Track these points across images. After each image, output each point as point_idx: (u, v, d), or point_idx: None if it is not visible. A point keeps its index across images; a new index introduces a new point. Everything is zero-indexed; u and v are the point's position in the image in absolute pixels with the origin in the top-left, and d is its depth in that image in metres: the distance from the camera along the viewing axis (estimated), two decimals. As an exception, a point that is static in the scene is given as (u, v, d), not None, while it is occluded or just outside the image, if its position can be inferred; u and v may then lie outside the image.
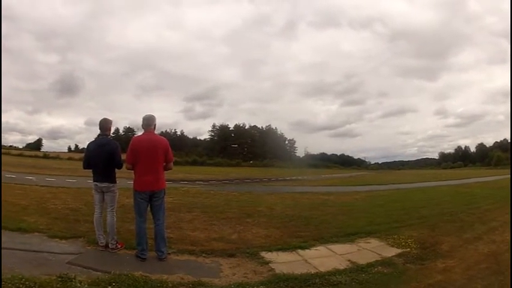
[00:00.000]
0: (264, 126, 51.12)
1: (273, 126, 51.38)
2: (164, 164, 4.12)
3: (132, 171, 4.11)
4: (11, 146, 43.47)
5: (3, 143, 41.21)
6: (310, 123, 62.85)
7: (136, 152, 4.02)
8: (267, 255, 4.26)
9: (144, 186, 4.01)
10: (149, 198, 4.05)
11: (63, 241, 4.60)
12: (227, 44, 55.96)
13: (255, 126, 50.36)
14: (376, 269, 3.82)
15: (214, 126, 48.50)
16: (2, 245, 4.04)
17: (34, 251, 4.13)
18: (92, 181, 4.41)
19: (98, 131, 4.44)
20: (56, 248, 4.28)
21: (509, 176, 17.56)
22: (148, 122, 4.16)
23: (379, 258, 4.24)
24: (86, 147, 4.63)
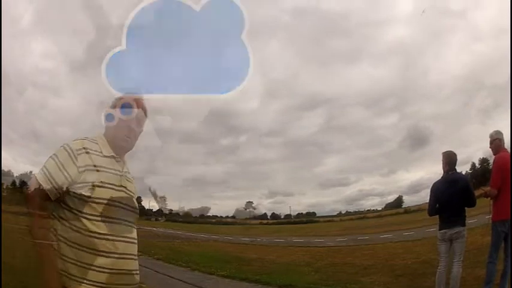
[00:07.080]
0: None
1: None
2: None
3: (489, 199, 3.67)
4: (368, 210, 42.70)
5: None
6: None
7: (506, 172, 3.56)
8: None
9: (508, 213, 3.49)
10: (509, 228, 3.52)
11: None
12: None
13: None
14: None
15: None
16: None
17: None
18: (437, 229, 3.84)
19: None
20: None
21: None
22: (502, 137, 3.78)
23: None
24: (430, 189, 3.98)
